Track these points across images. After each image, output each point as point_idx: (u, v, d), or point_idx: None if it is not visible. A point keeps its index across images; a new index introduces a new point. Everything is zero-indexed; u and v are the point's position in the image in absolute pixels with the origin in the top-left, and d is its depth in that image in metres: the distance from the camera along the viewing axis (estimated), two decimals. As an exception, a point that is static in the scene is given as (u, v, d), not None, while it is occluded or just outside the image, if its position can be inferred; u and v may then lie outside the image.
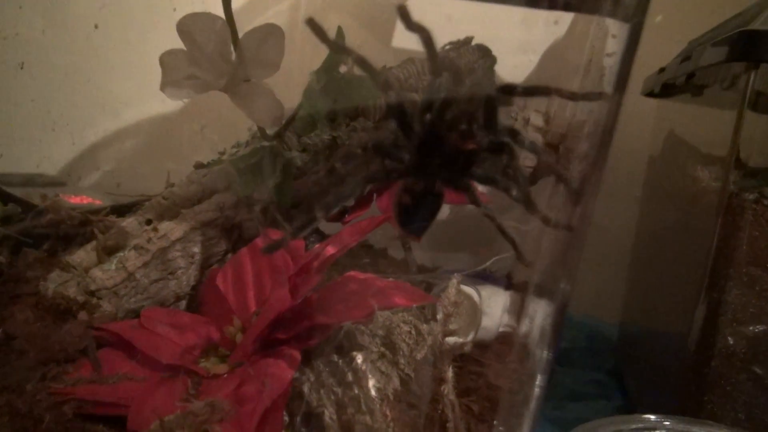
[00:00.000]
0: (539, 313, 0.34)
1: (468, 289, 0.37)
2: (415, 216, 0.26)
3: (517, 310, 0.38)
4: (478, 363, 0.37)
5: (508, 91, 0.25)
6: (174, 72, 0.32)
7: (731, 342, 0.38)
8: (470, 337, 0.37)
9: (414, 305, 0.28)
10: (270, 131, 0.37)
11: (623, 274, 0.64)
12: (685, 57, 0.46)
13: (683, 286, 0.45)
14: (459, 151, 0.25)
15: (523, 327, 0.34)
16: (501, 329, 0.39)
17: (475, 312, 0.37)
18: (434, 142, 0.25)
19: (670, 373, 0.45)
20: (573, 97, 0.25)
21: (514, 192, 0.24)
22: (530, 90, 0.25)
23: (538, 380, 0.32)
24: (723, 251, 0.39)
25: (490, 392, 0.33)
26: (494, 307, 0.39)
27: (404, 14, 0.24)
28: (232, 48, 0.32)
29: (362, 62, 0.26)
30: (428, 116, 0.25)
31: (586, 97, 0.25)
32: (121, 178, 0.58)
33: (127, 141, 0.60)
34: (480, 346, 0.37)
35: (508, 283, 0.41)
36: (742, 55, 0.35)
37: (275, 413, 0.22)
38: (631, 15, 0.28)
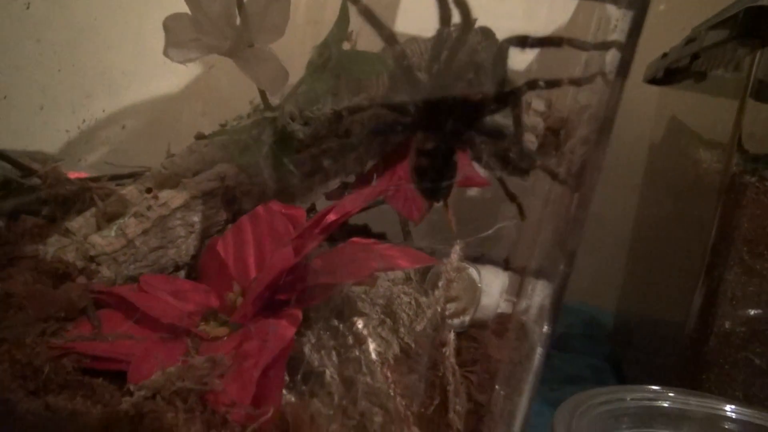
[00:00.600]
0: (538, 291, 0.34)
1: (469, 268, 0.37)
2: (434, 178, 0.26)
3: (516, 290, 0.38)
4: (477, 341, 0.36)
5: (520, 42, 0.24)
6: (177, 35, 0.31)
7: (728, 325, 0.38)
8: (469, 315, 0.36)
9: (417, 266, 0.28)
10: (273, 96, 0.37)
11: (621, 262, 0.64)
12: (690, 39, 0.46)
13: (682, 273, 0.45)
14: (467, 101, 0.24)
15: (522, 305, 0.34)
16: (500, 309, 0.39)
17: (474, 290, 0.37)
18: (442, 93, 0.25)
19: (666, 359, 0.46)
20: (584, 47, 0.25)
21: (517, 148, 0.24)
22: (542, 41, 0.24)
23: (538, 352, 0.32)
24: (724, 230, 0.39)
25: (490, 365, 0.33)
26: (493, 287, 0.39)
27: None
28: (236, 12, 0.32)
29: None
30: (436, 67, 0.25)
31: (598, 46, 0.25)
32: (119, 158, 0.58)
33: (126, 121, 0.60)
34: (479, 325, 0.37)
35: (506, 265, 0.41)
36: (748, 32, 0.35)
37: (276, 369, 0.22)
38: (633, 1, 0.28)
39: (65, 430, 0.20)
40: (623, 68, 0.29)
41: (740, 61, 0.41)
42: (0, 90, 0.54)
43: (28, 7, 0.51)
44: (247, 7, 0.32)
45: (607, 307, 0.64)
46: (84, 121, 0.57)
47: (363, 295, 0.31)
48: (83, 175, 0.49)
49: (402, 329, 0.31)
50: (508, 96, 0.24)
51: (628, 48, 0.28)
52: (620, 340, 0.60)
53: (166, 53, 0.32)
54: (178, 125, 0.59)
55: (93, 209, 0.37)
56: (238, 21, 0.32)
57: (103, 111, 0.58)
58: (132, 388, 0.21)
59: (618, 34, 0.29)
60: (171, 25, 0.32)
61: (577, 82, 0.29)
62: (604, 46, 0.25)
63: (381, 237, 0.48)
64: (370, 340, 0.27)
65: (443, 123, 0.25)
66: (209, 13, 0.32)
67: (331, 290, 0.26)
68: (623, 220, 0.64)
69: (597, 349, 0.61)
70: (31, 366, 0.22)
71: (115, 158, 0.58)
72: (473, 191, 0.45)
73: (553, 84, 0.26)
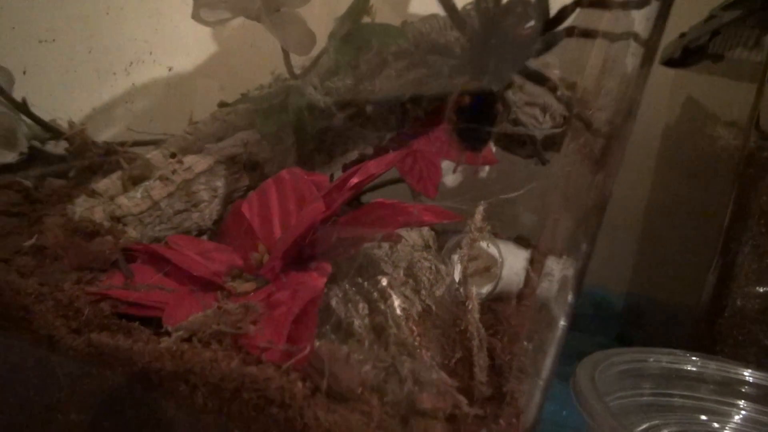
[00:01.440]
0: (560, 267, 0.34)
1: (488, 244, 0.37)
2: (474, 124, 0.26)
3: (537, 267, 0.38)
4: (499, 312, 0.37)
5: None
6: (207, -3, 0.32)
7: (740, 303, 0.39)
8: (488, 291, 0.37)
9: (442, 222, 0.28)
10: (302, 57, 0.37)
11: (632, 244, 0.65)
12: (709, 17, 0.46)
13: (695, 254, 0.46)
14: (515, 40, 0.25)
15: (543, 281, 0.35)
16: (521, 285, 0.39)
17: (495, 264, 0.38)
18: (491, 30, 0.25)
19: (676, 340, 0.46)
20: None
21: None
22: None
23: (562, 321, 0.32)
24: (740, 206, 0.39)
25: (511, 330, 0.34)
26: (514, 263, 0.39)
27: None
28: (266, -24, 0.33)
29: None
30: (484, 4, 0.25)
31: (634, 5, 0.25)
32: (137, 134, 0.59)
33: (144, 97, 0.61)
34: (499, 300, 0.38)
35: (521, 241, 0.42)
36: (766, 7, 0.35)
37: (308, 315, 0.23)
38: None
39: (106, 366, 0.20)
40: (650, 52, 0.29)
41: (760, 39, 0.41)
42: (22, 64, 0.54)
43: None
44: (275, -29, 0.33)
45: (617, 288, 0.65)
46: (101, 96, 0.57)
47: (385, 258, 0.32)
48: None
49: (423, 291, 0.32)
50: (551, 38, 0.25)
51: (655, 33, 0.29)
52: (630, 321, 0.61)
53: (195, 15, 0.32)
54: (193, 102, 0.60)
55: (119, 172, 0.38)
56: (267, -15, 0.33)
57: (121, 87, 0.58)
58: (170, 329, 0.22)
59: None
60: (200, -12, 0.33)
61: (609, 36, 0.29)
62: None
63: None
64: (394, 296, 0.28)
65: (489, 64, 0.25)
66: (239, -24, 0.32)
67: (359, 244, 0.27)
68: (635, 202, 0.65)
69: (607, 329, 0.61)
70: (73, 306, 0.22)
71: (132, 134, 0.59)
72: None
73: (587, 34, 0.26)
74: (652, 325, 0.55)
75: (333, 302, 0.27)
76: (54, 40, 0.54)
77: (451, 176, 0.46)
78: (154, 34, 0.58)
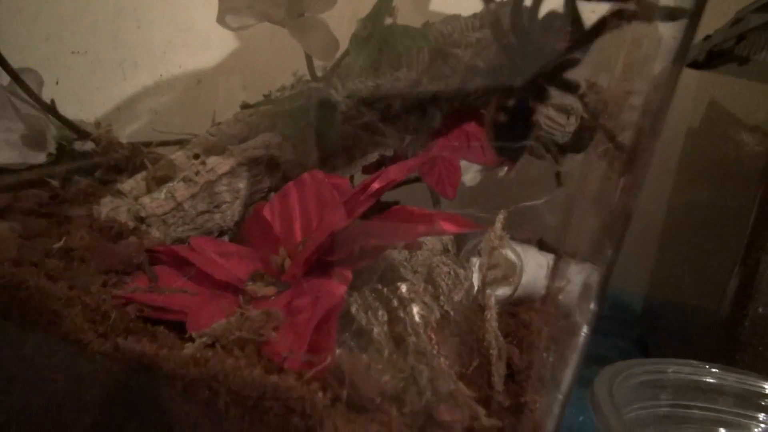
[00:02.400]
0: (582, 274, 0.34)
1: (508, 249, 0.37)
2: (511, 135, 0.26)
3: (560, 273, 0.38)
4: (519, 317, 0.37)
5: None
6: (232, 1, 0.32)
7: (761, 311, 0.39)
8: (508, 295, 0.37)
9: (463, 232, 0.28)
10: (321, 70, 0.37)
11: (652, 246, 0.64)
12: (735, 21, 0.45)
13: (716, 258, 0.45)
14: (552, 55, 0.25)
15: (565, 287, 0.35)
16: (542, 290, 0.39)
17: (514, 270, 0.38)
18: (531, 47, 0.25)
19: (696, 344, 0.46)
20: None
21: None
22: None
23: (584, 329, 0.32)
24: (762, 221, 0.39)
25: (530, 338, 0.34)
26: (535, 268, 0.39)
27: None
28: (290, -19, 0.33)
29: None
30: (520, 23, 0.25)
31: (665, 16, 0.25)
32: (159, 129, 0.59)
33: (166, 93, 0.61)
34: (520, 304, 0.38)
35: (549, 250, 0.42)
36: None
37: (329, 324, 0.23)
38: None
39: (133, 371, 0.21)
40: (680, 53, 0.29)
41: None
42: (50, 60, 0.56)
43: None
44: (300, -24, 0.33)
45: (637, 290, 0.64)
46: (125, 92, 0.58)
47: (405, 263, 0.32)
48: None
49: (442, 297, 0.32)
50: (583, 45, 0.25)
51: (688, 32, 0.28)
52: (649, 324, 0.61)
53: (220, 20, 0.32)
54: (216, 99, 0.60)
55: (143, 173, 0.38)
56: (290, -10, 0.33)
57: (144, 83, 0.59)
58: (194, 335, 0.22)
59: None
60: (225, -8, 0.33)
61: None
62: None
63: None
64: (413, 303, 0.28)
65: (526, 79, 0.25)
66: (263, -19, 0.32)
67: (379, 252, 0.27)
68: (656, 204, 0.64)
69: (625, 331, 0.61)
70: (100, 311, 0.23)
71: (155, 129, 0.60)
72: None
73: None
74: (671, 329, 0.54)
75: (353, 309, 0.27)
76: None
77: (470, 175, 0.46)
78: (177, 32, 0.58)
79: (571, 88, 0.25)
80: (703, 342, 0.44)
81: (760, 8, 0.40)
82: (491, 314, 0.27)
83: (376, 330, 0.25)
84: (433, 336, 0.26)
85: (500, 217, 0.29)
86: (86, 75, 0.58)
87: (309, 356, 0.20)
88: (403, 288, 0.29)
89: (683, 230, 0.58)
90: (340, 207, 0.27)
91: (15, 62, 0.42)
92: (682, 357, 0.48)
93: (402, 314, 0.27)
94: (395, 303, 0.28)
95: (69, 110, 0.57)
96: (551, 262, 0.40)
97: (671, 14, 0.24)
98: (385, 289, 0.29)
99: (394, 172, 0.32)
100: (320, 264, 0.28)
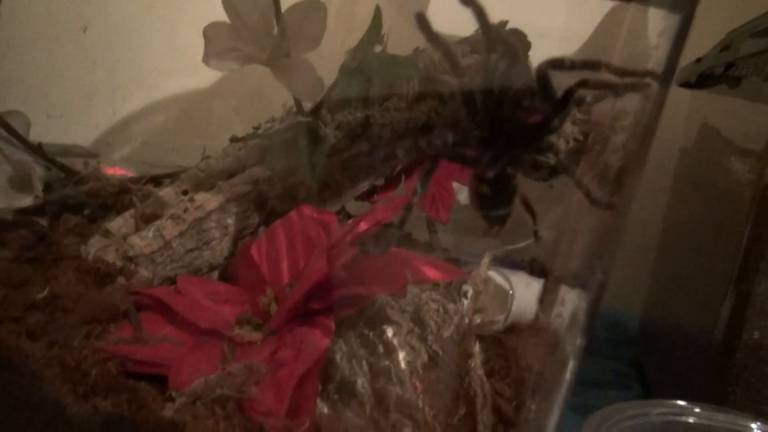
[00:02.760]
0: (572, 300, 0.34)
1: (499, 276, 0.37)
2: (495, 204, 0.27)
3: (550, 299, 0.38)
4: (509, 349, 0.37)
5: (557, 64, 0.25)
6: (217, 44, 0.32)
7: (757, 336, 0.38)
8: (500, 323, 0.37)
9: (448, 280, 0.28)
10: (309, 104, 0.37)
11: (648, 265, 0.64)
12: (725, 47, 0.45)
13: (710, 279, 0.45)
14: (524, 126, 0.25)
15: (555, 314, 0.35)
16: (532, 318, 0.39)
17: (505, 298, 0.38)
18: (499, 121, 0.25)
19: (691, 365, 0.46)
20: (623, 73, 0.25)
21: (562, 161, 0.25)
22: (579, 63, 0.25)
23: (570, 366, 0.32)
24: (754, 244, 0.39)
25: (519, 374, 0.34)
26: (526, 294, 0.39)
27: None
28: (274, 22, 0.33)
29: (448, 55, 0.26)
30: (488, 98, 0.25)
31: (636, 74, 0.25)
32: (153, 151, 0.60)
33: (160, 115, 0.61)
34: (511, 332, 0.38)
35: (540, 271, 0.42)
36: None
37: (311, 379, 0.23)
38: (680, 5, 0.28)
39: (112, 433, 0.21)
40: (667, 75, 0.29)
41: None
42: (42, 84, 0.56)
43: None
44: (284, 17, 0.33)
45: (633, 310, 0.64)
46: (114, 114, 0.58)
47: (392, 302, 0.32)
48: (119, 171, 0.51)
49: (430, 337, 0.32)
50: (562, 114, 0.25)
51: (674, 53, 0.28)
52: (645, 345, 0.60)
53: (206, 62, 0.33)
54: (210, 121, 0.61)
55: (132, 210, 0.38)
56: (275, 31, 0.33)
57: (138, 106, 0.59)
58: (174, 394, 0.22)
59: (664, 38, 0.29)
60: (211, 33, 0.33)
61: (626, 88, 0.28)
62: (642, 74, 0.25)
63: (405, 236, 0.48)
64: (399, 349, 0.28)
65: (502, 150, 0.26)
66: (248, 22, 0.32)
67: (364, 302, 0.27)
68: (651, 223, 0.64)
69: (622, 352, 0.61)
70: (80, 369, 0.23)
71: (149, 151, 0.60)
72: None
73: (601, 86, 0.25)
74: (667, 350, 0.54)
75: (337, 357, 0.27)
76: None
77: (465, 194, 0.46)
78: (169, 53, 0.59)
79: (552, 149, 0.25)
80: (698, 364, 0.44)
81: (749, 37, 0.40)
82: (476, 362, 0.27)
83: (359, 382, 0.25)
84: (418, 385, 0.26)
85: (485, 261, 0.29)
86: (80, 98, 0.58)
87: (288, 421, 0.20)
88: (389, 332, 0.29)
89: (678, 250, 0.58)
90: (322, 256, 0.27)
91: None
92: (679, 379, 0.48)
93: (387, 362, 0.27)
94: (381, 349, 0.28)
95: (62, 134, 0.58)
96: (541, 288, 0.40)
97: (633, 87, 0.24)
98: (371, 334, 0.29)
99: (381, 212, 0.32)
100: (305, 311, 0.28)
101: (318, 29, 0.32)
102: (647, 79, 0.25)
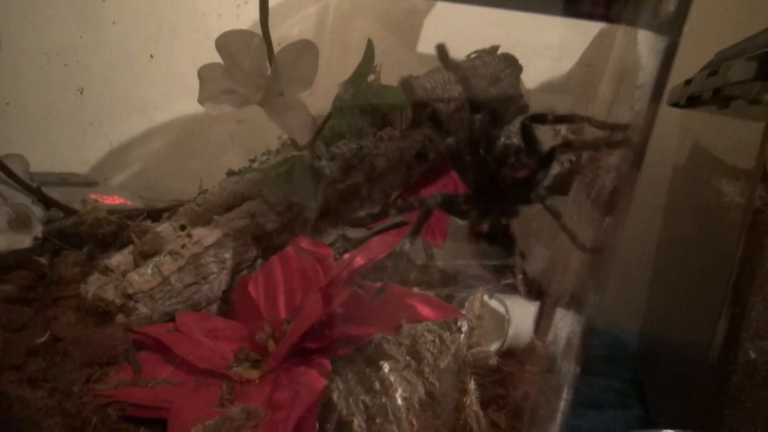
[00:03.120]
0: (567, 325, 0.34)
1: (495, 301, 0.38)
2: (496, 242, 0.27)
3: (545, 323, 0.39)
4: (506, 374, 0.37)
5: (539, 119, 0.25)
6: (212, 86, 0.33)
7: (753, 357, 0.39)
8: (496, 348, 0.37)
9: (441, 319, 0.29)
10: (302, 144, 0.38)
11: (644, 284, 0.64)
12: (712, 71, 0.46)
13: (705, 298, 0.45)
14: (512, 181, 0.26)
15: (550, 339, 0.35)
16: (528, 341, 0.40)
17: (501, 323, 0.38)
18: (487, 179, 0.26)
19: (690, 385, 0.46)
20: (602, 126, 0.26)
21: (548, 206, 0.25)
22: (561, 118, 0.25)
23: (565, 393, 0.33)
24: (747, 267, 0.39)
25: (516, 403, 0.34)
26: (522, 318, 0.40)
27: (442, 53, 0.25)
28: (267, 63, 0.33)
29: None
30: (474, 157, 0.26)
31: (616, 127, 0.26)
32: (151, 178, 0.60)
33: (157, 143, 0.62)
34: (507, 356, 0.38)
35: (532, 293, 0.42)
36: (768, 75, 0.35)
37: (308, 421, 0.23)
38: (669, 28, 0.29)
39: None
40: (656, 94, 0.29)
41: (763, 96, 0.41)
42: (43, 110, 0.57)
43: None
44: (277, 58, 0.33)
45: (631, 328, 0.64)
46: (111, 144, 0.59)
47: (389, 336, 0.33)
48: (118, 200, 0.52)
49: (427, 369, 0.32)
50: (548, 162, 0.26)
51: (662, 74, 0.29)
52: (644, 363, 0.60)
53: (201, 103, 0.33)
54: (206, 147, 0.61)
55: (131, 246, 0.39)
56: (268, 71, 0.34)
57: (135, 132, 0.60)
58: (173, 441, 0.23)
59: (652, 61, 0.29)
60: (205, 75, 0.34)
61: (607, 144, 0.29)
62: (623, 128, 0.25)
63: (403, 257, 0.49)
64: (396, 385, 0.28)
65: (491, 205, 0.26)
66: (241, 64, 0.33)
67: (359, 342, 0.27)
68: (647, 240, 0.64)
69: (620, 371, 0.61)
70: (80, 417, 0.23)
71: (147, 178, 0.61)
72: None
73: (583, 146, 0.26)
74: (666, 369, 0.54)
75: (334, 396, 0.27)
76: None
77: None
78: (169, 81, 0.59)
79: (539, 197, 0.26)
80: (696, 384, 0.44)
81: (737, 63, 0.41)
82: (470, 400, 0.27)
83: (356, 421, 0.25)
84: (414, 422, 0.27)
85: (478, 296, 0.30)
86: (80, 123, 0.59)
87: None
88: (386, 368, 0.29)
89: (673, 268, 0.58)
90: (318, 300, 0.28)
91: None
92: (677, 398, 0.48)
93: (384, 399, 0.27)
94: (378, 386, 0.28)
95: (63, 160, 0.58)
96: (537, 311, 0.40)
97: (614, 144, 0.25)
98: (369, 370, 0.29)
99: (376, 247, 0.32)
100: (302, 350, 0.28)
101: (310, 69, 0.33)
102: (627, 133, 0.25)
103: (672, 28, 0.29)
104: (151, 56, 0.56)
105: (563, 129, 0.46)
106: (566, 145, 0.25)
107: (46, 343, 0.28)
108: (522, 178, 0.26)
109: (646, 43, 0.32)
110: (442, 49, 0.25)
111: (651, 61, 0.30)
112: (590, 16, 0.33)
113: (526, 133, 0.25)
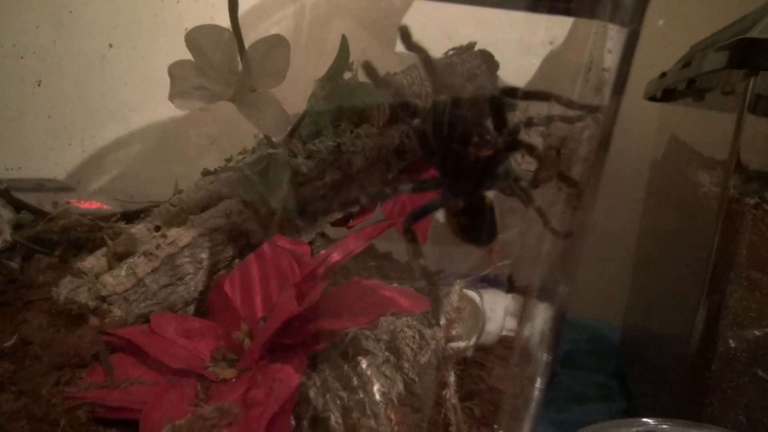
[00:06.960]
0: (540, 316, 0.34)
1: (471, 293, 0.38)
2: (479, 230, 0.27)
3: (519, 314, 0.39)
4: (481, 366, 0.37)
5: (510, 93, 0.25)
6: (182, 82, 0.32)
7: (732, 345, 0.39)
8: (473, 341, 0.37)
9: (417, 311, 0.28)
10: (276, 140, 0.38)
11: (626, 277, 0.64)
12: (686, 63, 0.46)
13: (685, 289, 0.46)
14: (478, 160, 0.25)
15: (525, 330, 0.35)
16: (503, 333, 0.40)
17: (477, 316, 0.38)
18: (454, 159, 0.26)
19: (672, 376, 0.46)
20: (570, 105, 0.26)
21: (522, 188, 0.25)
22: (530, 94, 0.25)
23: (538, 383, 0.33)
24: (723, 255, 0.39)
25: (492, 396, 0.34)
26: (497, 310, 0.40)
27: (405, 35, 0.25)
28: (239, 59, 0.33)
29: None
30: (440, 138, 0.26)
31: (583, 107, 0.26)
32: (129, 182, 0.59)
33: (135, 146, 0.61)
34: (483, 349, 0.38)
35: (509, 286, 0.42)
36: (741, 63, 0.35)
37: (283, 417, 0.23)
38: (629, 20, 0.29)
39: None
40: (619, 86, 0.29)
41: (736, 84, 0.41)
42: (13, 115, 0.55)
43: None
44: (248, 53, 0.33)
45: (613, 321, 0.65)
46: (91, 146, 0.58)
47: (367, 332, 0.32)
48: (94, 204, 0.51)
49: (406, 364, 0.32)
50: (513, 142, 0.25)
51: (623, 66, 0.29)
52: (627, 356, 0.61)
53: (171, 100, 0.33)
54: (186, 150, 0.60)
55: (104, 248, 0.38)
56: (240, 67, 0.33)
57: (113, 136, 0.59)
58: (144, 441, 0.22)
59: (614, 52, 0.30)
60: (176, 72, 0.33)
61: (569, 120, 0.29)
62: (590, 109, 0.25)
63: (386, 256, 0.48)
64: (374, 380, 0.28)
65: (466, 181, 0.26)
66: (212, 60, 0.33)
67: (335, 336, 0.27)
68: (628, 233, 0.65)
69: (603, 365, 0.61)
70: (47, 420, 0.23)
71: (124, 181, 0.60)
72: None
73: (549, 120, 0.27)
74: (648, 361, 0.55)
75: (311, 393, 0.27)
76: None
77: (443, 213, 0.46)
78: (147, 83, 0.58)
79: (509, 176, 0.26)
80: (677, 375, 0.44)
81: (709, 54, 0.41)
82: (449, 393, 0.27)
83: (332, 417, 0.25)
84: (392, 416, 0.26)
85: (456, 288, 0.29)
86: (56, 128, 0.58)
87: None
88: (364, 363, 0.29)
89: (653, 261, 0.59)
90: (291, 292, 0.27)
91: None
92: (659, 389, 0.48)
93: (362, 395, 0.27)
94: (355, 382, 0.28)
95: (37, 166, 0.57)
96: (511, 303, 0.41)
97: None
98: (346, 366, 0.29)
99: (353, 242, 0.32)
100: (278, 346, 0.28)
101: (282, 64, 0.32)
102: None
103: (632, 20, 0.29)
104: (110, 45, 0.55)
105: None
106: (528, 122, 0.25)
107: (15, 347, 0.27)
108: (488, 156, 0.25)
109: (610, 35, 0.32)
110: (404, 31, 0.25)
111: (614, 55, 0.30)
112: (555, 11, 0.33)
113: (496, 107, 0.25)
